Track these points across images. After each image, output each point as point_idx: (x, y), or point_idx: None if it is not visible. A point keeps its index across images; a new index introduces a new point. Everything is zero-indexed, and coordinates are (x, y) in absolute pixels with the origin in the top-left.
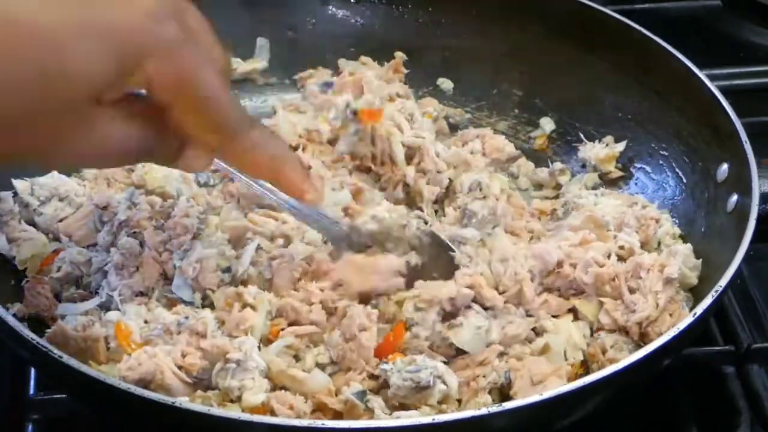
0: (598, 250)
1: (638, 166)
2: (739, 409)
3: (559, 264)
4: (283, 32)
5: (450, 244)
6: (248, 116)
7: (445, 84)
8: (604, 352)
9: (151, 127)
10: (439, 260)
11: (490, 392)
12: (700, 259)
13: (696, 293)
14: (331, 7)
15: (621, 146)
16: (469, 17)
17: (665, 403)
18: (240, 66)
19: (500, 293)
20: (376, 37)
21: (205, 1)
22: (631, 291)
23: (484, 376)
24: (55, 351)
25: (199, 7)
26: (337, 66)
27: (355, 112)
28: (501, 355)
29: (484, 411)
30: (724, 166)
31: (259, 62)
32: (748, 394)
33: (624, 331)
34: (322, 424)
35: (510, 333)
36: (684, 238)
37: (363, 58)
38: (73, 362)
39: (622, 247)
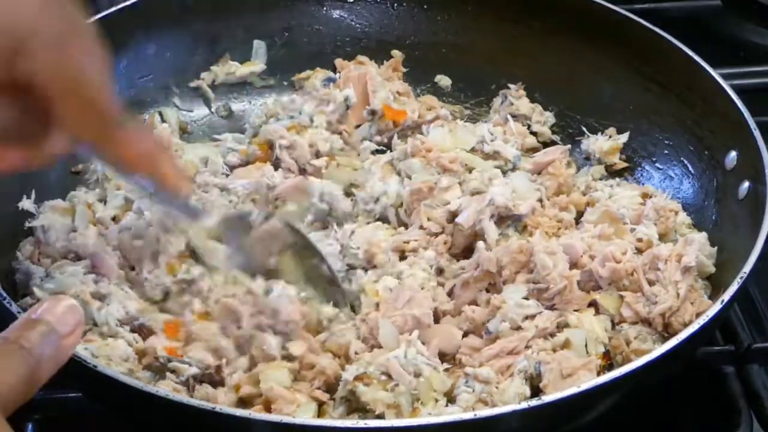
0: (619, 246)
1: (643, 156)
2: (739, 409)
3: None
4: (279, 34)
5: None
6: (125, 110)
7: (443, 81)
8: (628, 343)
9: (15, 107)
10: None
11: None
12: (716, 247)
13: (713, 281)
14: (326, 8)
15: (624, 137)
16: (465, 13)
17: (665, 403)
18: (238, 69)
19: (545, 289)
20: (372, 36)
21: (202, 5)
22: (651, 283)
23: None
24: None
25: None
26: (334, 66)
27: (373, 111)
28: (526, 347)
29: (524, 405)
30: (733, 154)
31: (257, 65)
32: (748, 394)
33: (647, 322)
34: (330, 423)
35: (540, 326)
36: (697, 227)
37: (360, 57)
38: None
39: (640, 240)
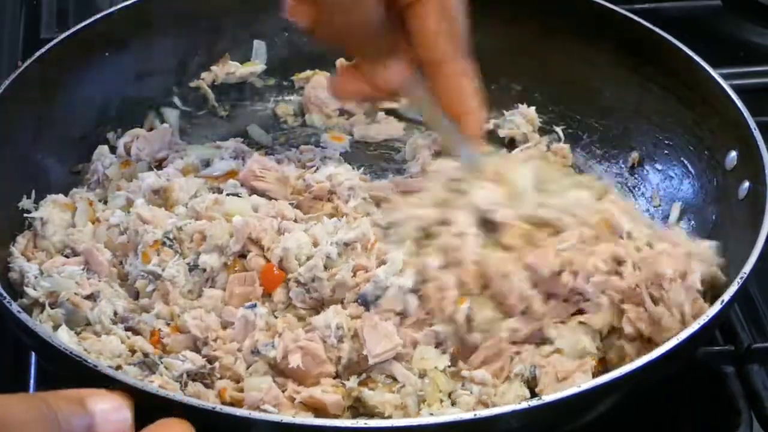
0: (600, 254)
1: (643, 156)
2: (739, 409)
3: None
4: (279, 34)
5: None
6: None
7: None
8: (623, 358)
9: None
10: None
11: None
12: (723, 258)
13: (713, 281)
14: None
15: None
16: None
17: (665, 403)
18: (238, 69)
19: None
20: None
21: (201, 6)
22: (654, 300)
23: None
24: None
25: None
26: (335, 66)
27: None
28: (517, 353)
29: (524, 405)
30: (733, 154)
31: (257, 65)
32: (748, 394)
33: (646, 339)
34: (329, 423)
35: (511, 327)
36: (697, 228)
37: None
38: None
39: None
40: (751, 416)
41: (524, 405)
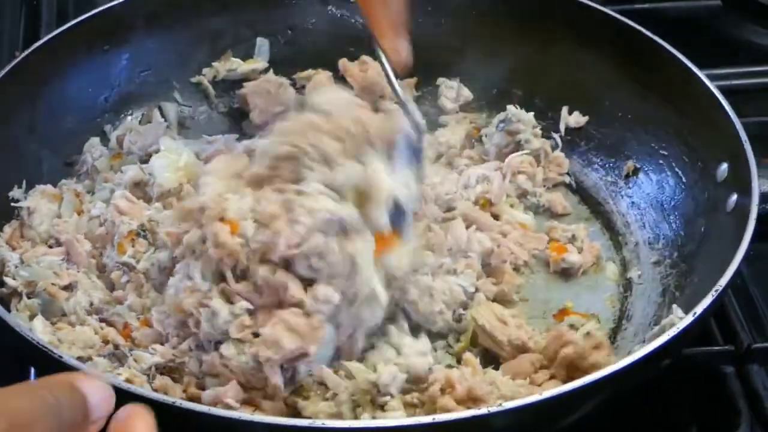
0: None
1: (638, 165)
2: (739, 409)
3: None
4: (282, 32)
5: None
6: None
7: (445, 84)
8: None
9: None
10: None
11: None
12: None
13: (694, 293)
14: (330, 7)
15: None
16: (468, 18)
17: (665, 403)
18: (240, 66)
19: None
20: None
21: (204, 1)
22: None
23: None
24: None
25: None
26: (337, 66)
27: None
28: None
29: (484, 410)
30: (724, 166)
31: (259, 62)
32: (748, 394)
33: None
34: (322, 423)
35: None
36: (687, 239)
37: (363, 57)
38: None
39: None
40: (751, 416)
41: (484, 411)
